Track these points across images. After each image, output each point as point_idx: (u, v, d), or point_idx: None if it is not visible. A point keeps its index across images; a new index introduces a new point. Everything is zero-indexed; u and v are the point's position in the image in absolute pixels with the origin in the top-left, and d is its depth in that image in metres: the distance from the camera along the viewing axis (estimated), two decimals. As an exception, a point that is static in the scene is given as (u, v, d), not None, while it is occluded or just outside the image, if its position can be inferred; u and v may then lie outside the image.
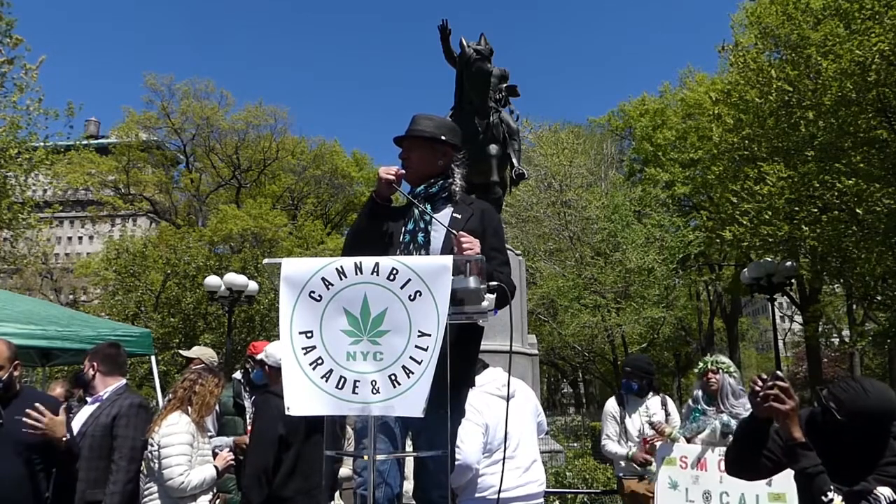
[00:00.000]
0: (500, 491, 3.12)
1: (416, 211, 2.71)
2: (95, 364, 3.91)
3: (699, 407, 4.64)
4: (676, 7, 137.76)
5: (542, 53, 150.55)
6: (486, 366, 3.91)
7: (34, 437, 3.12)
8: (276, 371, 4.13)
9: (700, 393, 4.70)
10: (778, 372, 2.32)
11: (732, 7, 34.71)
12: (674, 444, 4.59)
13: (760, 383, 2.25)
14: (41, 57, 14.88)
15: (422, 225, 2.70)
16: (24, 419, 3.06)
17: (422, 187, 2.75)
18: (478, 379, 3.76)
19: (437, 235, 2.68)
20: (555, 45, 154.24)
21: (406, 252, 2.65)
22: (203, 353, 5.89)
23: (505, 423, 3.01)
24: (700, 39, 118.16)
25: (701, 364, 4.78)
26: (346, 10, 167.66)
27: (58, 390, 6.02)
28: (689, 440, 4.60)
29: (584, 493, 7.61)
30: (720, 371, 4.61)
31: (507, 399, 3.12)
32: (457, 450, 3.43)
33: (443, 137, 2.79)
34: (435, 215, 2.69)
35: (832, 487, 2.10)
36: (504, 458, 2.87)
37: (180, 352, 6.79)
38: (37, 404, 3.11)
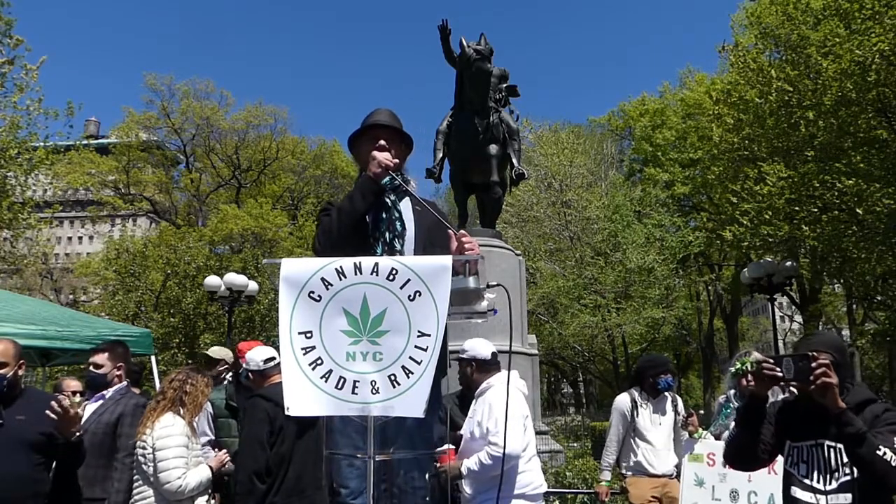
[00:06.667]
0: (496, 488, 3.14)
1: (389, 200, 2.86)
2: (122, 366, 3.97)
3: (731, 405, 4.57)
4: (676, 7, 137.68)
5: (542, 53, 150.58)
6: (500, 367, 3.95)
7: (35, 436, 3.10)
8: (257, 375, 4.14)
9: (733, 392, 4.60)
10: (814, 352, 2.40)
11: (732, 7, 34.69)
12: (700, 441, 4.50)
13: (771, 365, 2.39)
14: (42, 57, 14.91)
15: (396, 214, 2.85)
16: (47, 412, 3.00)
17: (387, 179, 2.83)
18: (501, 376, 3.81)
19: (409, 225, 2.87)
20: (555, 45, 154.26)
21: (384, 239, 2.80)
22: (223, 353, 5.87)
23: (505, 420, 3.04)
24: (700, 39, 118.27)
25: (739, 364, 4.58)
26: (346, 9, 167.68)
27: (73, 383, 5.95)
28: (717, 437, 4.52)
29: (584, 493, 7.59)
30: None
31: (507, 396, 3.14)
32: (498, 438, 3.44)
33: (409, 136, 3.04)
34: (399, 205, 2.88)
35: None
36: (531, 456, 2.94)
37: (207, 353, 6.23)
38: (53, 403, 3.06)
